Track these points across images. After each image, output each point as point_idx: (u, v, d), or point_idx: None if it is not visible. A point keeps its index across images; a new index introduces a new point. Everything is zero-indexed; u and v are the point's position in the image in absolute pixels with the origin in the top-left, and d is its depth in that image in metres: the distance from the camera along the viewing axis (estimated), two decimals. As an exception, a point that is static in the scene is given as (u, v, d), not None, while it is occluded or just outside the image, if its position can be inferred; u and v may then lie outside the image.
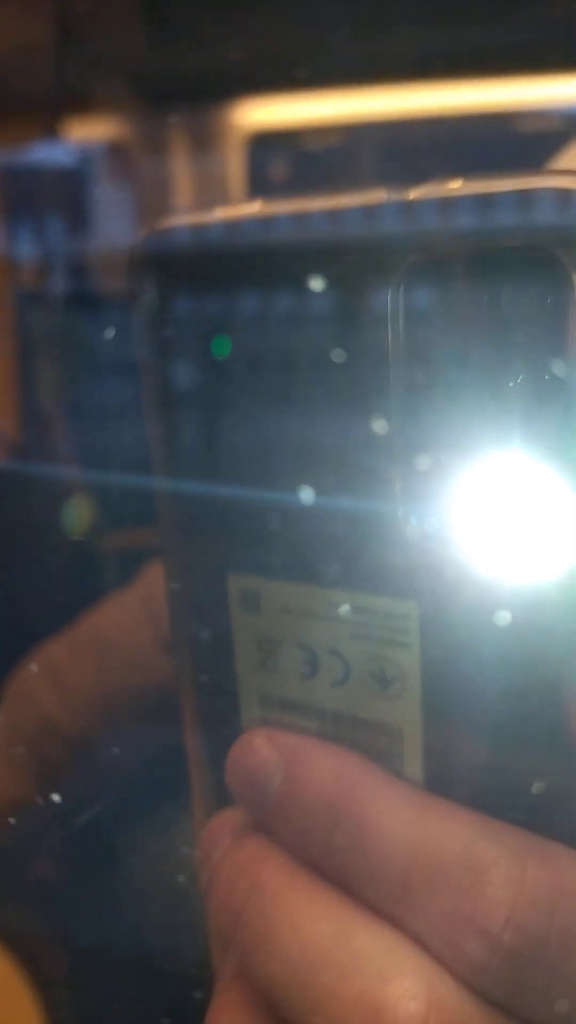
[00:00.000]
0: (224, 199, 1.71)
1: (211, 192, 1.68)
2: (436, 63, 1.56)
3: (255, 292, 0.15)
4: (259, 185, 1.75)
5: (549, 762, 0.14)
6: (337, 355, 0.15)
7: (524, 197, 0.13)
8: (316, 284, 0.15)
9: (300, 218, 0.15)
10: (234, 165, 1.67)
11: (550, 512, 0.13)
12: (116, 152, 1.64)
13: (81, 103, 1.54)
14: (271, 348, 0.15)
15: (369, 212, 0.15)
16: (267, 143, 1.71)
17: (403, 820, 0.14)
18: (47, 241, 1.57)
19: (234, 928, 0.16)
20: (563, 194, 0.13)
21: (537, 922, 0.13)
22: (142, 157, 1.67)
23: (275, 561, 0.16)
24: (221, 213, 0.16)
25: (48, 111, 1.44)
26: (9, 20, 1.48)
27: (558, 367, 0.13)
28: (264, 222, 0.15)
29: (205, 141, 1.66)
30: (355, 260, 0.14)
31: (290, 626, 0.16)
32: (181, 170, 1.66)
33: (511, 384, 0.13)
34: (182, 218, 0.16)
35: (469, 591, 0.14)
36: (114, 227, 1.74)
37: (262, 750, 0.16)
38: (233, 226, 0.15)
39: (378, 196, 0.14)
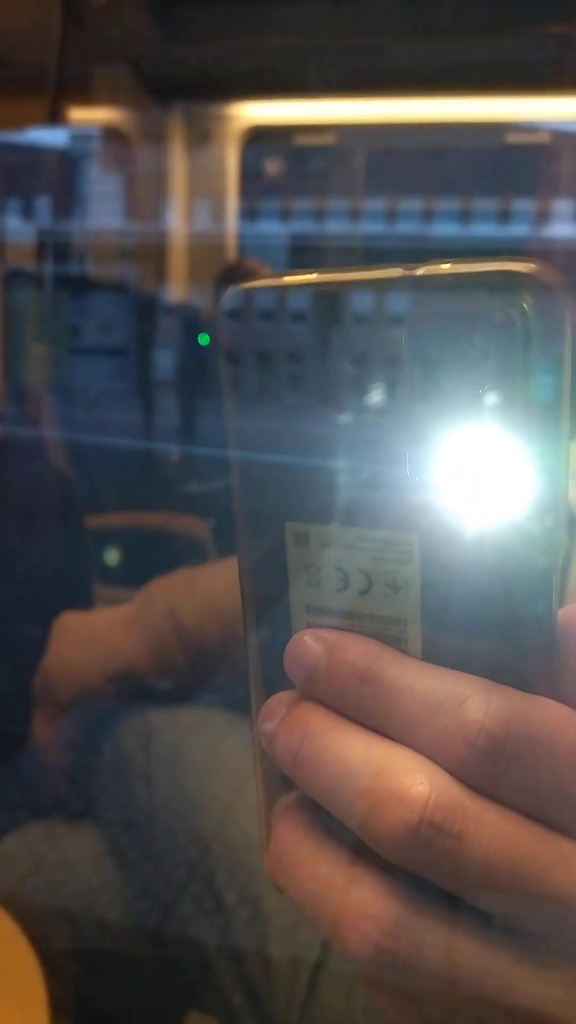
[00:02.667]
0: (219, 192, 1.72)
1: (205, 185, 1.70)
2: (431, 75, 1.59)
3: (305, 323, 0.21)
4: (253, 181, 1.77)
5: (505, 639, 0.21)
6: (364, 366, 0.21)
7: (489, 275, 0.19)
8: (353, 322, 0.21)
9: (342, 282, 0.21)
10: (230, 160, 1.69)
11: (507, 470, 0.19)
12: (113, 139, 1.65)
13: (82, 89, 1.54)
14: (320, 363, 0.21)
15: (391, 281, 0.20)
16: (263, 140, 1.73)
17: (407, 676, 0.21)
18: (39, 221, 1.58)
19: (294, 761, 0.22)
20: (512, 273, 0.19)
21: (499, 729, 0.20)
22: (139, 146, 1.68)
23: (319, 511, 0.22)
24: (287, 279, 0.22)
25: (49, 95, 1.44)
26: (13, 1, 1.49)
27: (510, 374, 0.19)
28: (318, 284, 0.21)
29: (203, 135, 1.68)
30: (379, 305, 0.21)
31: (329, 555, 0.22)
32: (177, 162, 1.68)
33: (481, 388, 0.19)
34: (262, 281, 0.22)
35: (452, 524, 0.20)
36: (106, 212, 1.76)
37: (311, 643, 0.22)
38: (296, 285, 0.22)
39: (397, 271, 0.20)
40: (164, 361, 1.71)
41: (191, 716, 0.73)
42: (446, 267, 0.19)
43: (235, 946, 0.62)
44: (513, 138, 1.72)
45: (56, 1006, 0.55)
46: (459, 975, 0.21)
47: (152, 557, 1.26)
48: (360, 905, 0.21)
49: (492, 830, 0.20)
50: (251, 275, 0.23)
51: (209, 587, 0.73)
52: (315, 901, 0.22)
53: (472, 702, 0.20)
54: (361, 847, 0.21)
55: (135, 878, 0.68)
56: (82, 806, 0.73)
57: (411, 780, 0.20)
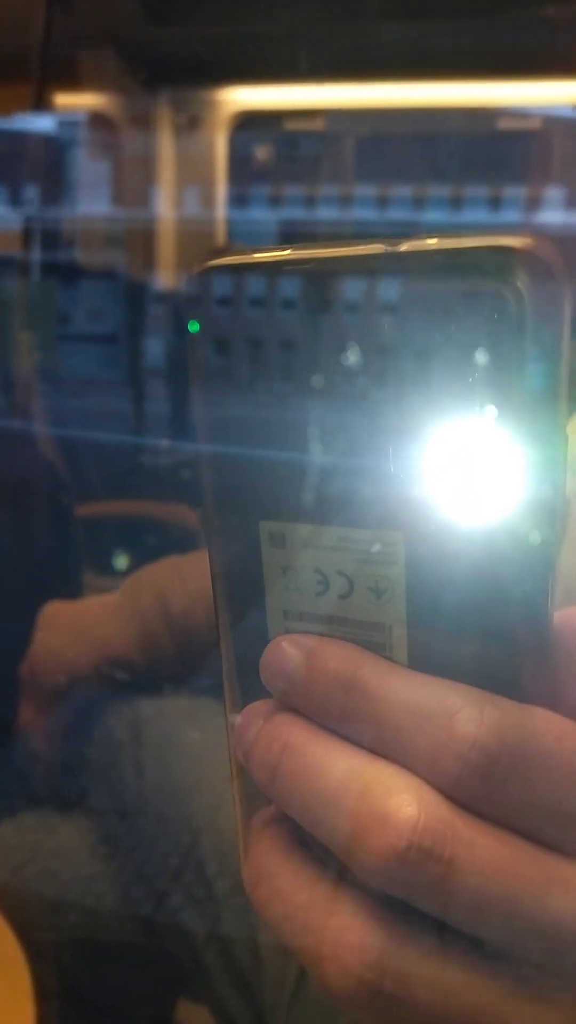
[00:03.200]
0: (208, 178, 1.72)
1: (194, 170, 1.69)
2: (422, 60, 1.59)
3: (284, 306, 0.20)
4: (242, 166, 1.77)
5: (498, 645, 0.19)
6: (342, 351, 0.19)
7: (480, 251, 0.18)
8: (332, 303, 0.19)
9: (321, 260, 0.20)
10: (219, 145, 1.68)
11: (500, 464, 0.18)
12: (100, 125, 1.64)
13: (68, 74, 1.53)
14: (294, 348, 0.20)
15: (372, 258, 0.19)
16: (252, 126, 1.72)
17: (394, 686, 0.20)
18: (26, 208, 1.57)
19: (272, 778, 0.20)
20: (505, 249, 0.18)
21: (494, 743, 0.18)
22: (126, 132, 1.67)
23: (296, 509, 0.20)
24: (259, 255, 0.20)
25: (34, 80, 1.43)
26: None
27: (501, 361, 0.18)
28: (296, 260, 0.20)
29: (191, 120, 1.67)
30: (367, 288, 0.19)
31: (307, 557, 0.20)
32: (165, 147, 1.67)
33: (471, 374, 0.18)
34: (233, 257, 0.20)
35: (438, 524, 0.19)
36: (94, 199, 1.75)
37: (288, 650, 0.21)
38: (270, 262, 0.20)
39: (378, 247, 0.19)
40: (154, 348, 1.71)
41: (181, 705, 0.72)
42: (432, 242, 0.18)
43: (226, 935, 0.62)
44: (504, 124, 1.72)
45: (44, 995, 0.55)
46: (449, 1009, 0.19)
47: (142, 545, 1.26)
48: (342, 934, 0.20)
49: (485, 854, 0.19)
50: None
51: (197, 574, 0.72)
52: (293, 927, 0.21)
53: (464, 714, 0.19)
54: (343, 868, 0.20)
55: (126, 867, 0.68)
56: (72, 795, 0.73)
57: (398, 801, 0.18)
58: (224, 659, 0.23)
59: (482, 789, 0.19)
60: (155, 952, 0.68)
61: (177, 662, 0.72)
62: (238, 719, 0.22)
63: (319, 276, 0.19)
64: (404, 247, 0.18)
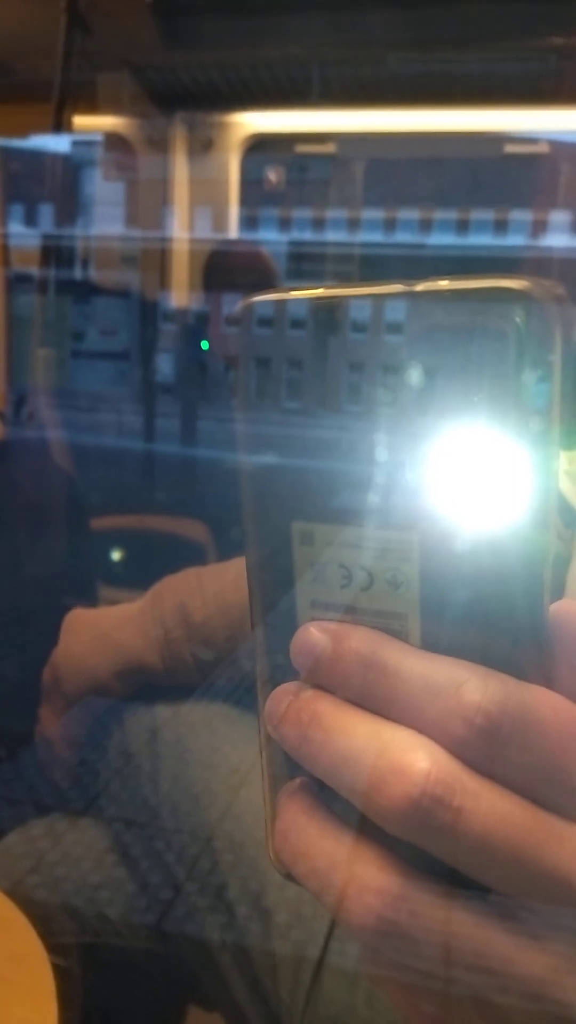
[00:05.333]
0: (220, 199, 1.74)
1: (207, 192, 1.72)
2: (431, 86, 1.61)
3: (310, 336, 0.23)
4: (253, 188, 1.79)
5: (500, 632, 0.22)
6: (364, 374, 0.22)
7: (485, 291, 0.21)
8: (353, 328, 0.22)
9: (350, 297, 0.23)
10: (232, 168, 1.71)
11: (501, 473, 0.21)
12: (116, 146, 1.67)
13: (86, 96, 1.56)
14: (319, 370, 0.23)
15: (392, 297, 0.22)
16: (264, 149, 1.75)
17: (408, 662, 0.22)
18: (43, 227, 1.60)
19: (301, 743, 0.23)
20: (506, 289, 0.20)
21: (496, 710, 0.21)
22: (142, 153, 1.70)
23: (324, 512, 0.23)
24: (295, 293, 0.23)
25: (53, 102, 1.46)
26: (19, 8, 1.51)
27: (502, 383, 0.20)
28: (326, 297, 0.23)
29: (205, 143, 1.70)
30: (378, 315, 0.22)
31: (333, 553, 0.23)
32: (179, 169, 1.70)
33: (476, 395, 0.20)
34: (272, 295, 0.23)
35: (447, 526, 0.21)
36: (109, 219, 1.77)
37: (316, 634, 0.23)
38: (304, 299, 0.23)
39: (398, 287, 0.22)
40: (165, 365, 1.73)
41: (195, 712, 0.74)
42: (444, 283, 0.21)
43: (237, 941, 0.63)
44: (511, 149, 1.74)
45: (63, 999, 0.56)
46: (457, 947, 0.22)
47: (153, 559, 1.27)
48: (363, 879, 0.22)
49: (489, 806, 0.21)
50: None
51: (217, 585, 0.74)
52: (320, 876, 0.23)
53: (470, 685, 0.21)
54: (364, 825, 0.22)
55: (138, 873, 0.69)
56: (87, 801, 0.74)
57: (413, 756, 0.21)
58: (257, 644, 0.25)
59: (486, 750, 0.21)
60: (168, 958, 0.68)
61: (195, 669, 0.73)
62: (270, 697, 0.24)
63: (347, 311, 0.22)
64: (420, 287, 0.21)
